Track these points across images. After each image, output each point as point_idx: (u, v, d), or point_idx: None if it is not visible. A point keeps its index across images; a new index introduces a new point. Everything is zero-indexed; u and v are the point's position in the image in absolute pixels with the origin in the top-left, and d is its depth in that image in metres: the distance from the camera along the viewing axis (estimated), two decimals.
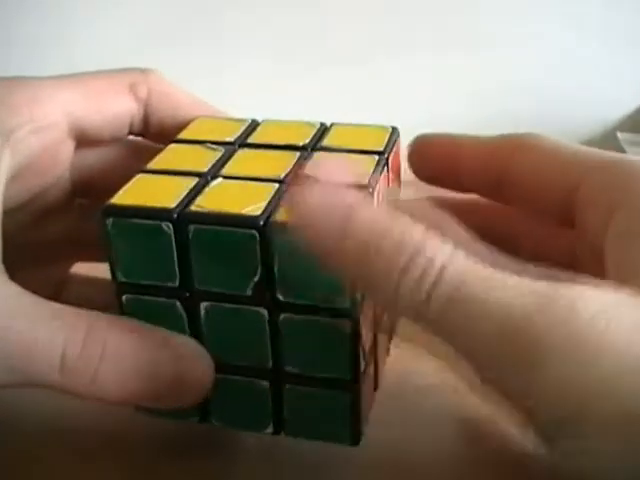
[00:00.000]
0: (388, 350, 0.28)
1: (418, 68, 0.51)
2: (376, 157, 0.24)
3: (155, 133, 0.28)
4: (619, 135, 0.51)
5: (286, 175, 0.23)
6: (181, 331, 0.23)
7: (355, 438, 0.24)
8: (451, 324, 0.18)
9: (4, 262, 0.23)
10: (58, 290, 0.29)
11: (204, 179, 0.23)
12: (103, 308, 0.24)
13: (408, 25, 0.51)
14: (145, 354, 0.23)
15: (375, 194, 0.23)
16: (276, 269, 0.22)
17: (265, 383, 0.24)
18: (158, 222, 0.22)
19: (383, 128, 0.26)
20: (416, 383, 0.29)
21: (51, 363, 0.22)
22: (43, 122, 0.25)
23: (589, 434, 0.17)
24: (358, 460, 0.26)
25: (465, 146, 0.27)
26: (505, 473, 0.25)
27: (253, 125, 0.27)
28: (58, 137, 0.25)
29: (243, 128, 0.27)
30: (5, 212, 0.24)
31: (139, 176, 0.24)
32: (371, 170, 0.23)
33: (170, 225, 0.22)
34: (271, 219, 0.21)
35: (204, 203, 0.22)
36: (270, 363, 0.23)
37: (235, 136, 0.26)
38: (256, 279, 0.22)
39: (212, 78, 0.40)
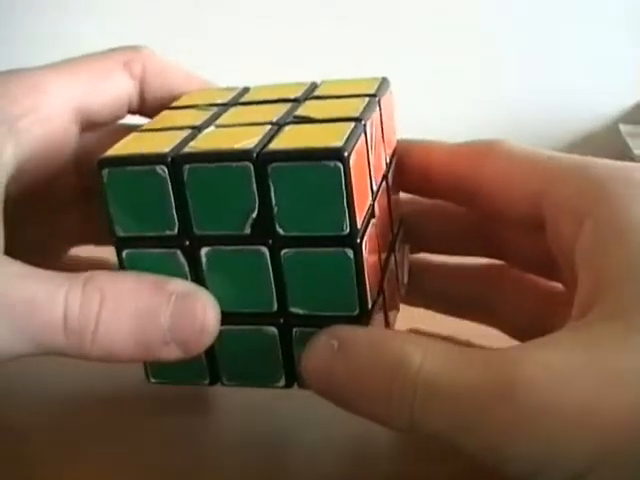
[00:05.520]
0: (398, 306, 0.27)
1: (418, 67, 0.52)
2: (367, 99, 0.24)
3: (151, 109, 0.28)
4: (621, 127, 0.52)
5: (277, 119, 0.23)
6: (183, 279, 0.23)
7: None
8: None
9: (9, 253, 0.23)
10: None
11: (197, 130, 0.23)
12: None
13: (405, 26, 0.52)
14: (143, 298, 0.22)
15: (368, 126, 0.23)
16: (273, 202, 0.21)
17: (273, 329, 0.23)
18: (153, 166, 0.22)
19: (373, 78, 0.26)
20: None
21: (55, 324, 0.22)
22: (45, 111, 0.25)
23: None
24: None
25: (435, 152, 0.27)
26: None
27: (245, 91, 0.27)
28: (62, 125, 0.26)
29: (235, 94, 0.27)
30: (11, 203, 0.24)
31: (134, 134, 0.24)
32: (362, 107, 0.23)
33: (165, 168, 0.22)
34: (266, 150, 0.21)
35: (198, 145, 0.22)
36: (275, 305, 0.23)
37: (227, 99, 0.26)
38: (253, 215, 0.22)
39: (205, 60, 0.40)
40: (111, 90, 0.27)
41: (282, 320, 0.23)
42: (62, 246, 0.29)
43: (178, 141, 0.23)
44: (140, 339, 0.22)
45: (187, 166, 0.22)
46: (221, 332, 0.23)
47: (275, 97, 0.26)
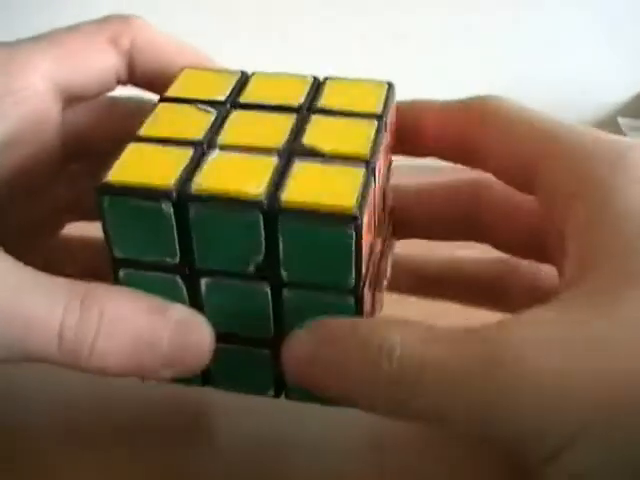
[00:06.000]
0: (382, 302, 0.28)
1: (418, 61, 0.50)
2: (375, 122, 0.24)
3: (142, 82, 0.27)
4: (620, 120, 0.52)
5: (283, 146, 0.23)
6: (181, 303, 0.23)
7: None
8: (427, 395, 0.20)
9: None
10: (49, 256, 0.28)
11: (200, 149, 0.23)
12: (96, 268, 0.24)
13: (407, 20, 0.50)
14: (142, 321, 0.22)
15: (377, 170, 0.22)
16: (281, 251, 0.21)
17: (266, 352, 0.24)
18: (157, 202, 0.21)
19: (379, 85, 0.26)
20: None
21: (49, 336, 0.22)
22: (23, 92, 0.24)
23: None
24: None
25: (428, 111, 0.26)
26: None
27: (243, 79, 0.26)
28: (41, 105, 0.24)
29: (233, 83, 0.26)
30: None
31: (132, 145, 0.23)
32: (371, 139, 0.23)
33: (170, 205, 0.21)
34: (276, 201, 0.21)
35: (204, 181, 0.21)
36: (272, 334, 0.23)
37: (226, 93, 0.25)
38: (259, 258, 0.22)
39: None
40: (94, 67, 0.25)
41: (277, 345, 0.24)
42: (47, 225, 0.28)
43: (182, 168, 0.22)
44: (136, 362, 0.23)
45: (194, 207, 0.21)
46: (215, 349, 0.24)
47: (277, 100, 0.25)
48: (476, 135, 0.25)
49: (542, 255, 0.26)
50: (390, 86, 0.26)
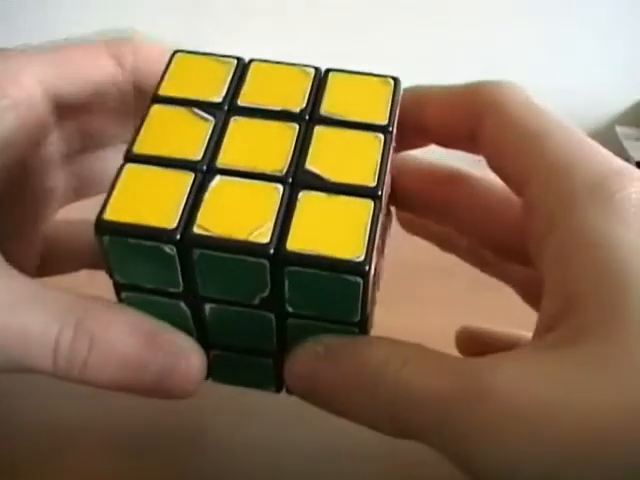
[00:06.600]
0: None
1: (417, 67, 0.46)
2: (381, 137, 0.23)
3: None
4: (617, 129, 0.51)
5: (286, 172, 0.22)
6: (184, 322, 0.23)
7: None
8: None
9: None
10: (43, 249, 0.28)
11: (201, 175, 0.22)
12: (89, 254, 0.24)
13: (405, 32, 0.48)
14: (132, 349, 0.23)
15: (384, 193, 0.22)
16: (286, 293, 0.21)
17: (268, 361, 0.24)
18: (160, 244, 0.21)
19: (384, 81, 0.24)
20: None
21: (45, 352, 0.22)
22: (18, 97, 0.23)
23: None
24: None
25: (431, 96, 0.25)
26: None
27: (240, 70, 0.24)
28: (36, 111, 0.24)
29: (230, 75, 0.24)
30: None
31: (128, 168, 0.22)
32: (377, 162, 0.22)
33: (173, 247, 0.21)
34: (283, 250, 0.20)
35: (207, 221, 0.21)
36: (275, 348, 0.24)
37: (223, 90, 0.24)
38: (264, 295, 0.22)
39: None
40: (90, 77, 0.24)
41: (280, 356, 0.24)
42: (42, 221, 0.27)
43: (183, 203, 0.21)
44: (125, 384, 0.23)
45: (198, 250, 0.21)
46: (216, 355, 0.24)
47: (277, 102, 0.23)
48: (478, 126, 0.24)
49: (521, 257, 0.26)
50: (396, 82, 0.24)
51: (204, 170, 0.22)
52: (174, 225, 0.21)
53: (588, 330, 0.20)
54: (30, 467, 0.27)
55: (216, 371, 0.25)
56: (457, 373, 0.20)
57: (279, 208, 0.21)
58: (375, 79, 0.24)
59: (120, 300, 0.23)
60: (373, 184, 0.22)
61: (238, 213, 0.21)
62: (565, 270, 0.21)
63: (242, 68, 0.24)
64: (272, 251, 0.20)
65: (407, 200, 0.27)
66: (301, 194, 0.21)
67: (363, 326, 0.22)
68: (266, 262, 0.20)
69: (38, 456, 0.28)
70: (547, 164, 0.22)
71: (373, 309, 0.25)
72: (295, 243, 0.20)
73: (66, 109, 0.25)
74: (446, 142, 0.26)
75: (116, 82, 0.25)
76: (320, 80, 0.24)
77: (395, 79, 0.24)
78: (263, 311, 0.22)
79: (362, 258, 0.20)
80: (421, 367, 0.21)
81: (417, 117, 0.25)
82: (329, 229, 0.21)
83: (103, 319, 0.23)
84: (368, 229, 0.21)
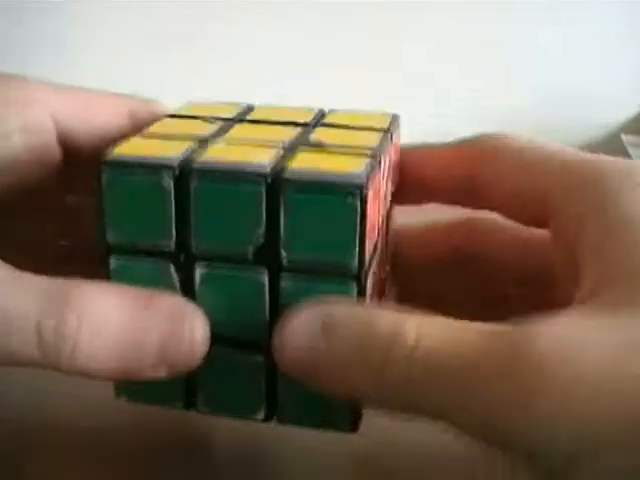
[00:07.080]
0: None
1: (418, 68, 0.52)
2: (381, 134, 0.24)
3: None
4: (623, 137, 0.52)
5: (292, 142, 0.23)
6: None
7: (353, 426, 0.23)
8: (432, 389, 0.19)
9: None
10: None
11: (205, 142, 0.22)
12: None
13: (409, 24, 0.51)
14: (127, 319, 0.21)
15: (382, 162, 0.22)
16: (282, 226, 0.21)
17: (259, 358, 0.22)
18: (159, 175, 0.21)
19: (384, 114, 0.26)
20: None
21: (28, 336, 0.20)
22: (30, 123, 0.24)
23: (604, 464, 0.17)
24: None
25: (428, 156, 0.27)
26: None
27: (249, 109, 0.26)
28: (45, 140, 0.24)
29: (239, 110, 0.26)
30: None
31: (135, 138, 0.23)
32: (377, 140, 0.23)
33: (171, 178, 0.21)
34: (281, 170, 0.20)
35: (207, 157, 0.21)
36: (267, 336, 0.22)
37: (233, 115, 0.26)
38: (259, 236, 0.21)
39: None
40: (102, 123, 0.26)
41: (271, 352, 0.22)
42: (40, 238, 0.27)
43: (186, 151, 0.22)
44: (122, 365, 0.21)
45: (195, 180, 0.21)
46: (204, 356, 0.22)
47: (283, 119, 0.25)
48: (483, 173, 0.25)
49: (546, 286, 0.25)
50: (395, 116, 0.26)
51: (209, 139, 0.23)
52: (175, 159, 0.21)
53: (631, 297, 0.19)
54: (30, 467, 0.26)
55: (202, 389, 0.23)
56: (487, 340, 0.19)
57: (279, 156, 0.21)
58: (375, 114, 0.26)
59: (108, 272, 0.22)
60: (372, 146, 0.22)
61: (238, 155, 0.21)
62: (606, 256, 0.21)
63: (250, 108, 0.26)
64: (270, 173, 0.20)
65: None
66: (302, 151, 0.22)
67: (362, 284, 0.21)
68: (263, 190, 0.20)
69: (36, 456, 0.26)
70: (570, 176, 0.23)
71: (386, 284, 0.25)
72: (293, 165, 0.21)
73: (74, 148, 0.25)
74: (446, 195, 0.27)
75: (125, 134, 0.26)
76: (323, 114, 0.26)
77: (394, 115, 0.26)
78: (256, 270, 0.21)
79: (361, 180, 0.20)
80: (441, 335, 0.19)
81: (417, 172, 0.26)
82: (327, 164, 0.21)
83: (89, 293, 0.21)
84: (366, 166, 0.21)
